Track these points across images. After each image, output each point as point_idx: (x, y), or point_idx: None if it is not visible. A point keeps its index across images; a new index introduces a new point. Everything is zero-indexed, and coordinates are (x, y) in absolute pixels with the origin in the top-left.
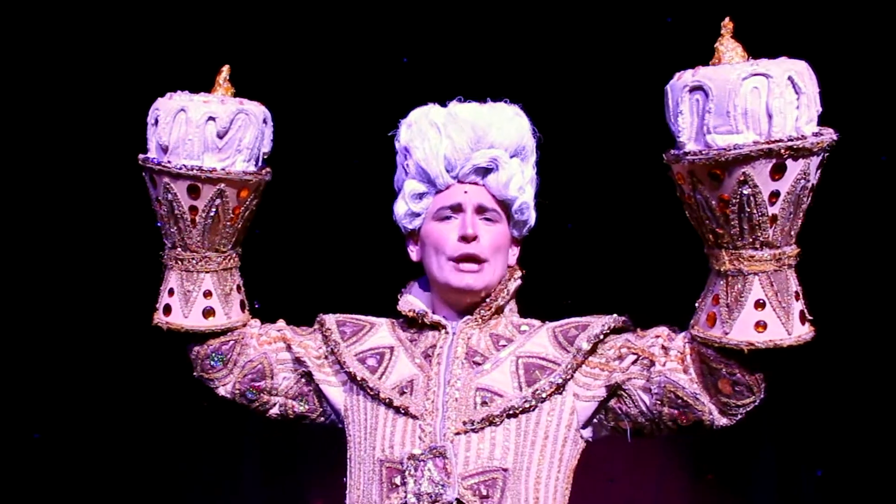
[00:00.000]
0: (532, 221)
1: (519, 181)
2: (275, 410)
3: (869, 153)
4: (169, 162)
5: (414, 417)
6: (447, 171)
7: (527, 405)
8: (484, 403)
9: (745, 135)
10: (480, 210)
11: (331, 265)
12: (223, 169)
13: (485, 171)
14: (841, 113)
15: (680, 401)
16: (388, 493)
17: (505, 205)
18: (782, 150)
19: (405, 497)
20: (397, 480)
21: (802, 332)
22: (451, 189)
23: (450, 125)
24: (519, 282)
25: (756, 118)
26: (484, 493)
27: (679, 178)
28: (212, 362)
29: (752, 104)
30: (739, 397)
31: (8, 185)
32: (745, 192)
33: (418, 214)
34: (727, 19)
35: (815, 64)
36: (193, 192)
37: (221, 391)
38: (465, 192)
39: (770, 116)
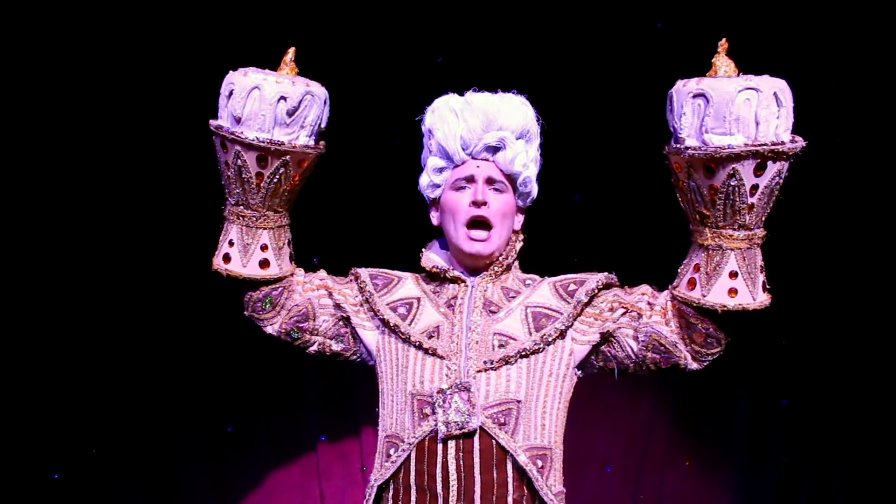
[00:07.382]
0: (535, 194)
1: (523, 159)
2: (313, 348)
3: (824, 136)
4: (242, 133)
5: (441, 357)
6: (463, 149)
7: (536, 347)
8: (501, 346)
9: (736, 137)
10: (490, 181)
11: (365, 227)
12: (289, 143)
13: (494, 149)
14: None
15: (662, 347)
16: (420, 422)
17: (511, 178)
18: (766, 153)
19: (435, 425)
20: (427, 411)
21: (763, 298)
22: (466, 164)
23: (466, 110)
24: (521, 244)
25: (746, 124)
26: (502, 420)
27: (677, 167)
28: (263, 305)
29: (743, 112)
30: (709, 347)
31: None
32: (732, 183)
33: (438, 185)
34: (724, 40)
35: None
36: (262, 161)
37: (269, 329)
38: (478, 166)
39: (757, 124)
